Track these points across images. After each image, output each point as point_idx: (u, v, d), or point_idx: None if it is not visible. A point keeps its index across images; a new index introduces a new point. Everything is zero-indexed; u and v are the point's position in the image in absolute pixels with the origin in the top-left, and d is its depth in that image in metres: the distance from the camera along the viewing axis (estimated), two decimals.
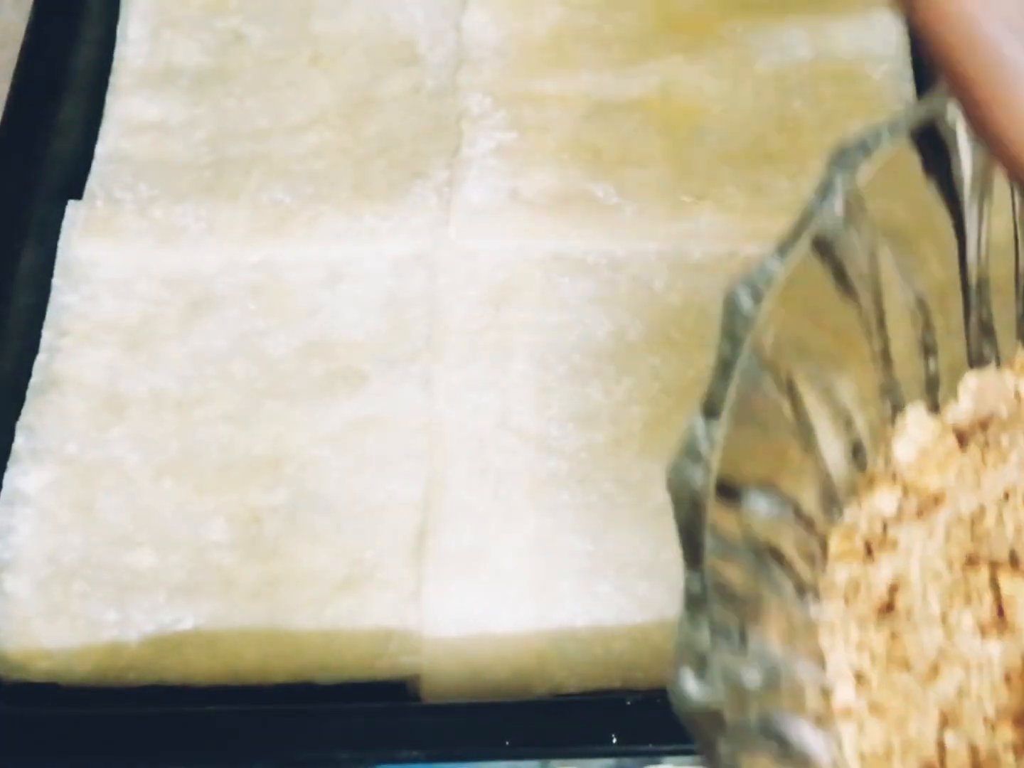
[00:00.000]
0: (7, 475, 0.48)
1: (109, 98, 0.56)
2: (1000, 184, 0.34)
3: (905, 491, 0.35)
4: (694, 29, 0.57)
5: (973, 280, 0.35)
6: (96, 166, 0.55)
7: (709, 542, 0.27)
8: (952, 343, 0.35)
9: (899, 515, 0.34)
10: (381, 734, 0.42)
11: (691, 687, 0.25)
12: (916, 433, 0.35)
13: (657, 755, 0.41)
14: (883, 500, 0.34)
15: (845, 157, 0.31)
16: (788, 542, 0.30)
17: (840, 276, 0.31)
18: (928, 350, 0.35)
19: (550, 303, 0.51)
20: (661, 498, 0.46)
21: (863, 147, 0.31)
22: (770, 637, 0.28)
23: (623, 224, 0.52)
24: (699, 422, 0.28)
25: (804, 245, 0.30)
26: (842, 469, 0.33)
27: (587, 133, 0.54)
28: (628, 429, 0.48)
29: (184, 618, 0.46)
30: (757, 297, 0.29)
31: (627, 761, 0.42)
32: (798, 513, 0.31)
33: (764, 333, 0.29)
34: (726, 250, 0.51)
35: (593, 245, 0.52)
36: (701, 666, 0.25)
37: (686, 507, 0.27)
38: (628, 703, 0.42)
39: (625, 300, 0.51)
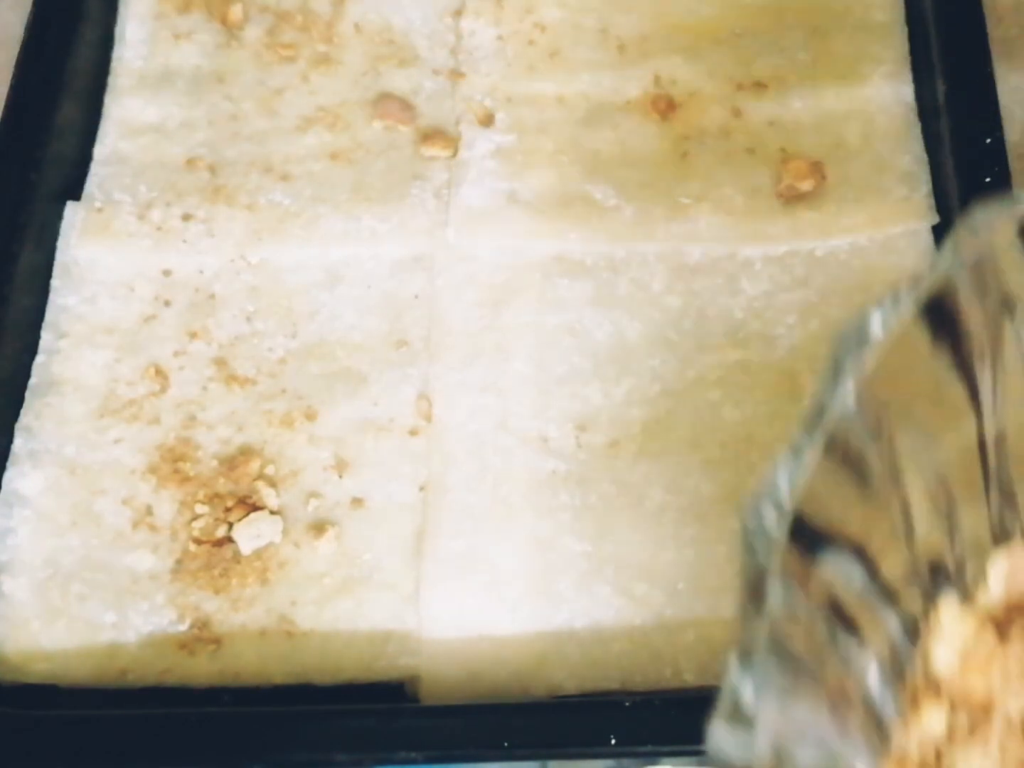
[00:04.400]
0: (6, 477, 0.48)
1: (107, 100, 0.56)
2: (1011, 347, 0.31)
3: (952, 705, 0.31)
4: (692, 31, 0.57)
5: (991, 448, 0.32)
6: (95, 168, 0.55)
7: (776, 594, 0.25)
8: (975, 518, 0.33)
9: (951, 735, 0.31)
10: (380, 735, 0.42)
11: (728, 742, 0.24)
12: (953, 632, 0.31)
13: (655, 756, 0.41)
14: (932, 720, 0.31)
15: (847, 342, 0.28)
16: (865, 613, 0.28)
17: (859, 472, 0.28)
18: (953, 529, 0.32)
19: (549, 305, 0.51)
20: (660, 499, 0.47)
21: (863, 331, 0.28)
22: (821, 711, 0.26)
23: (622, 225, 0.52)
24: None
25: (818, 445, 0.27)
26: (937, 549, 0.31)
27: (585, 135, 0.54)
28: (627, 431, 0.48)
29: (182, 619, 0.46)
30: (780, 511, 0.26)
31: (626, 762, 0.42)
32: (882, 586, 0.29)
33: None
34: (725, 251, 0.51)
35: (592, 247, 0.52)
36: (741, 723, 0.24)
37: (755, 553, 0.25)
38: (627, 704, 0.42)
39: (624, 301, 0.51)
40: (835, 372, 0.28)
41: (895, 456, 0.30)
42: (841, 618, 0.28)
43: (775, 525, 0.25)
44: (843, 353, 0.28)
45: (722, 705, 0.24)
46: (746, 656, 0.25)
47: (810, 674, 0.26)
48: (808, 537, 0.26)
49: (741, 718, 0.24)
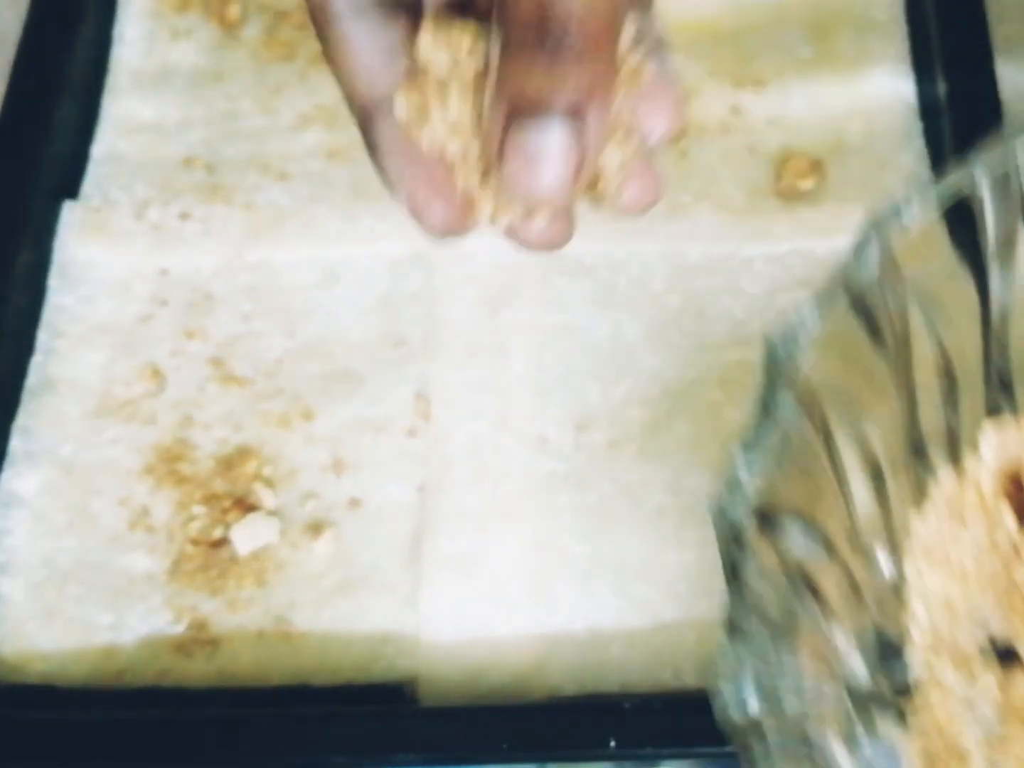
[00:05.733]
0: (2, 477, 0.48)
1: (105, 99, 0.56)
2: (1021, 251, 0.34)
3: None
4: (692, 28, 0.56)
5: (995, 337, 0.35)
6: (92, 167, 0.54)
7: (750, 568, 0.28)
8: (973, 396, 0.35)
9: None
10: (378, 737, 0.42)
11: (732, 702, 0.27)
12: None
13: (655, 759, 0.41)
14: None
15: (880, 221, 0.33)
16: (821, 573, 0.31)
17: (873, 329, 0.32)
18: (951, 403, 0.35)
19: (548, 304, 0.51)
20: (659, 500, 0.47)
21: (896, 214, 0.33)
22: (803, 660, 0.29)
23: (621, 224, 0.52)
24: (739, 455, 0.30)
25: (841, 300, 0.32)
26: (870, 512, 0.34)
27: None
28: (626, 431, 0.48)
29: (179, 621, 0.45)
30: (795, 346, 0.31)
31: (625, 765, 0.42)
32: (830, 547, 0.32)
33: (801, 379, 0.31)
34: (725, 250, 0.51)
35: (591, 245, 0.51)
36: (740, 683, 0.28)
37: (727, 535, 0.29)
38: (626, 706, 0.42)
39: (623, 301, 0.51)
40: (863, 245, 0.32)
41: (907, 327, 0.33)
42: (806, 582, 0.31)
43: (741, 513, 0.29)
44: (872, 229, 0.32)
45: (722, 673, 0.28)
46: (733, 625, 0.28)
47: (787, 633, 0.30)
48: (770, 519, 0.30)
49: (737, 679, 0.28)
